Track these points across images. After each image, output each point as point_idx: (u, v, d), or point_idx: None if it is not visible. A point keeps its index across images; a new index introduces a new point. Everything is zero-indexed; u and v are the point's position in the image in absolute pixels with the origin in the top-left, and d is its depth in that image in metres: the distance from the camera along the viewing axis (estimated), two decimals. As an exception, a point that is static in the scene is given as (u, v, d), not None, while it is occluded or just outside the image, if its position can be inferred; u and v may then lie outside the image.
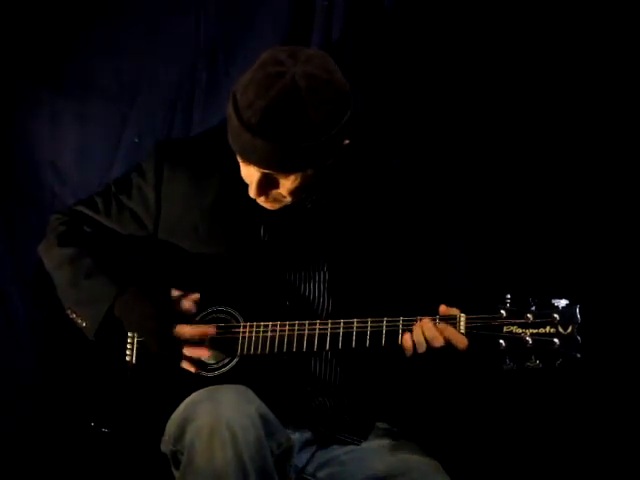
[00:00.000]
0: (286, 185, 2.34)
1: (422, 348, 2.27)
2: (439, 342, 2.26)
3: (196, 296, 2.44)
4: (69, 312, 2.47)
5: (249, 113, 2.24)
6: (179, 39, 3.07)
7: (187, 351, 2.40)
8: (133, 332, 2.46)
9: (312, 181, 2.35)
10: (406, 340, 2.29)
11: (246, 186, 2.44)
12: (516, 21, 2.96)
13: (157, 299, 2.42)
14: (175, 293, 2.44)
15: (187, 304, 2.43)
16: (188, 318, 2.43)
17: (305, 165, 2.30)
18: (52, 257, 2.53)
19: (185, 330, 2.40)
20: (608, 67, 2.93)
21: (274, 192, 2.36)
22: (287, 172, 2.30)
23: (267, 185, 2.34)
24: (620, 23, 2.91)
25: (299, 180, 2.33)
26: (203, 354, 2.40)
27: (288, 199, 2.38)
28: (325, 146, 2.28)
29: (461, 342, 2.25)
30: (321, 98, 2.25)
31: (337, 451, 2.46)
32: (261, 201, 2.40)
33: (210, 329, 2.40)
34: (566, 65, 2.95)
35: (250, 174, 2.35)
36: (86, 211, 2.57)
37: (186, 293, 2.44)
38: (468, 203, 2.99)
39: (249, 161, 2.30)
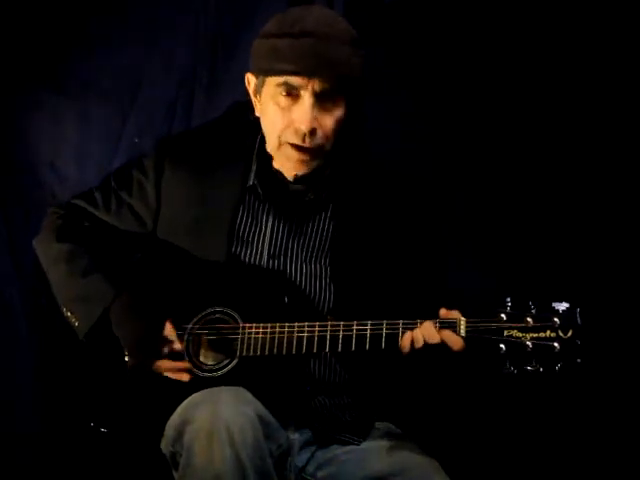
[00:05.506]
0: (335, 115, 2.34)
1: (419, 344, 2.27)
2: (435, 339, 2.26)
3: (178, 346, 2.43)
4: (64, 310, 2.47)
5: (304, 24, 2.29)
6: (179, 39, 3.08)
7: (167, 364, 2.41)
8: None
9: (341, 130, 2.37)
10: (405, 339, 2.29)
11: (246, 182, 2.44)
12: (516, 17, 2.96)
13: (149, 313, 2.42)
14: (169, 329, 2.42)
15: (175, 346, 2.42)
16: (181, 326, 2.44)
17: (358, 75, 2.34)
18: (49, 252, 2.52)
19: (164, 365, 2.41)
20: (608, 67, 2.93)
21: (320, 132, 2.35)
22: (350, 78, 2.32)
23: (319, 112, 2.33)
24: (620, 23, 2.91)
25: (342, 113, 2.35)
26: (183, 366, 2.41)
27: (327, 146, 2.37)
28: (362, 66, 2.34)
29: (456, 343, 2.25)
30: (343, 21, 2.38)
31: (337, 451, 2.46)
32: (300, 156, 2.38)
33: (185, 374, 2.41)
34: (565, 63, 2.96)
35: (303, 105, 2.33)
36: (85, 205, 2.56)
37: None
38: (469, 206, 2.99)
39: (317, 71, 2.30)
